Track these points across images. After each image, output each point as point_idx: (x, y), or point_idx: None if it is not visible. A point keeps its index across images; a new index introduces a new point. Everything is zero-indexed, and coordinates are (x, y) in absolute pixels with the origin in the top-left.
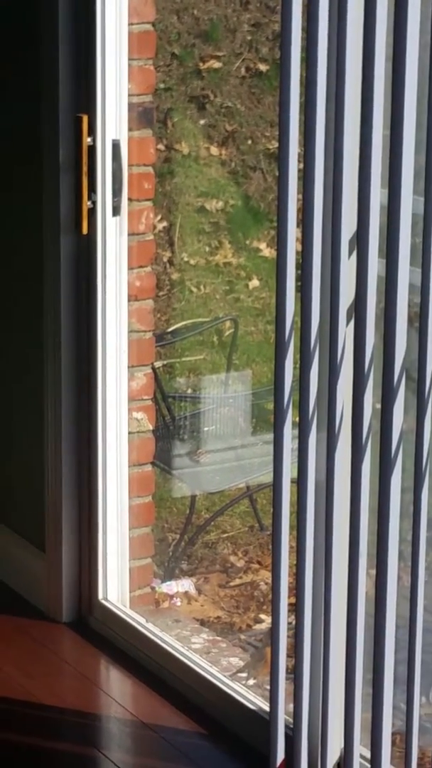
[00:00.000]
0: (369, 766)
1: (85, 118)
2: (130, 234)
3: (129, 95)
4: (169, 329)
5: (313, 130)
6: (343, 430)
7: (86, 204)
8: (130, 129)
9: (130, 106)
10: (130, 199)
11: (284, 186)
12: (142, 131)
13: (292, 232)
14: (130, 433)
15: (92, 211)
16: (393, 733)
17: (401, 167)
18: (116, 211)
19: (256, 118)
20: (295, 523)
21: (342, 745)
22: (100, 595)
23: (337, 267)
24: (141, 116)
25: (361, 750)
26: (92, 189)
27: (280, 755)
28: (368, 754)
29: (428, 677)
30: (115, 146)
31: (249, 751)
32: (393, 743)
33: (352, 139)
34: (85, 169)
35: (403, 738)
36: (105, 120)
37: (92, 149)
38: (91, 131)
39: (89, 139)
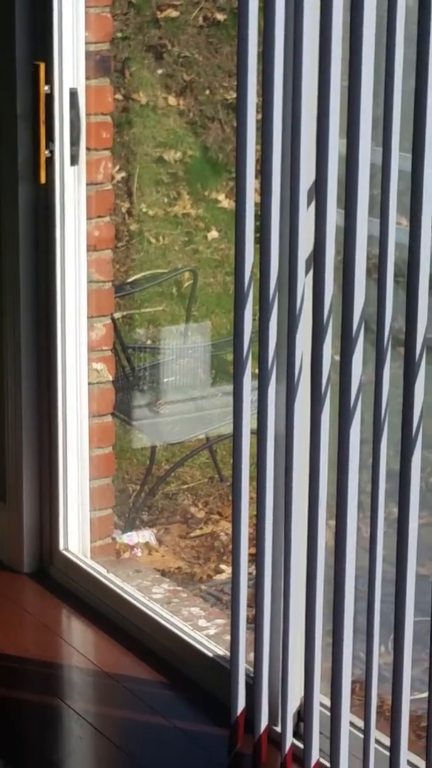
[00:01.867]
0: (329, 714)
1: (42, 66)
2: (88, 183)
3: (86, 43)
4: (128, 280)
5: (271, 80)
6: (302, 381)
7: (44, 153)
8: (87, 77)
9: (88, 54)
10: (88, 149)
11: (242, 136)
12: (99, 80)
13: (251, 182)
14: (89, 383)
15: (50, 161)
16: (353, 682)
17: (359, 117)
18: (74, 160)
19: (214, 68)
20: (255, 474)
21: (302, 694)
22: (61, 546)
23: (295, 217)
24: (98, 65)
25: (321, 698)
26: (50, 138)
27: (241, 704)
28: (328, 703)
29: (387, 627)
30: (73, 95)
31: (210, 699)
32: (353, 692)
33: (310, 89)
34: (42, 117)
35: (363, 686)
36: (62, 68)
37: (50, 98)
38: (49, 80)
39: (46, 88)
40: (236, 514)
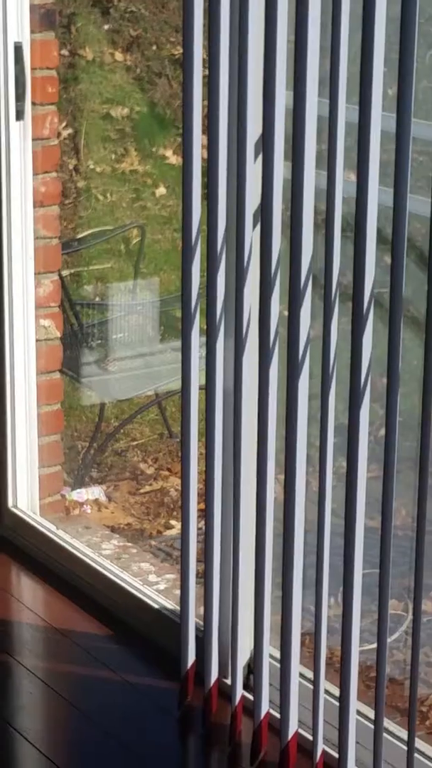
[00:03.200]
0: (279, 666)
1: None
2: (34, 139)
3: None
4: (76, 237)
5: (217, 35)
6: (250, 337)
7: None
8: (32, 31)
9: (32, 7)
10: (33, 104)
11: (189, 92)
12: (44, 34)
13: (198, 138)
14: (37, 340)
15: None
16: (302, 634)
17: (306, 70)
18: (20, 115)
19: (160, 24)
20: (203, 430)
21: (252, 647)
22: (10, 503)
23: (243, 172)
24: (43, 18)
25: (271, 651)
26: None
27: (191, 657)
28: (278, 655)
29: (337, 579)
30: (18, 49)
31: (160, 653)
32: (302, 644)
33: (256, 43)
34: None
35: (313, 639)
36: (6, 22)
37: None
38: None
39: None
40: (185, 470)
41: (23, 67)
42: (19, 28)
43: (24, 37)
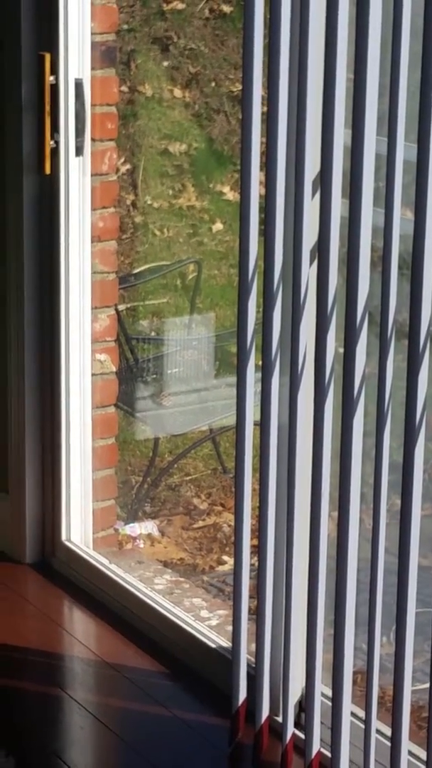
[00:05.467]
0: (330, 704)
1: (47, 57)
2: (93, 174)
3: (92, 34)
4: (133, 272)
5: (276, 72)
6: (305, 373)
7: (49, 144)
8: (93, 68)
9: (93, 44)
10: (93, 139)
11: (248, 128)
12: (105, 70)
13: (256, 174)
14: (93, 374)
15: (55, 151)
16: (354, 673)
17: (365, 108)
18: (79, 151)
19: (219, 61)
20: (257, 466)
21: (303, 684)
22: (63, 537)
23: (300, 208)
24: (104, 55)
25: (322, 689)
26: (55, 128)
27: (242, 694)
28: (330, 693)
29: (389, 618)
30: (78, 85)
31: (211, 690)
32: (354, 682)
33: (315, 80)
34: (47, 108)
35: (364, 677)
36: (68, 58)
37: (55, 88)
38: (54, 70)
39: (52, 78)
40: (239, 506)
41: (83, 103)
42: (80, 64)
43: (85, 73)
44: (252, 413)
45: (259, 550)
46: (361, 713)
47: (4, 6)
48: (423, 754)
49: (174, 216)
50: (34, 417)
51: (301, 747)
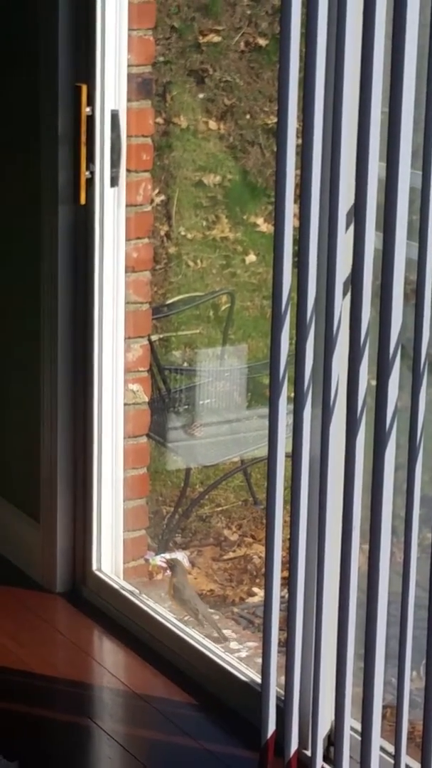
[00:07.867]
0: (359, 738)
1: (84, 88)
2: (128, 205)
3: (128, 66)
4: (166, 303)
5: (311, 105)
6: (338, 405)
7: (84, 174)
8: (129, 100)
9: (130, 76)
10: (128, 170)
11: (282, 161)
12: (141, 102)
13: (290, 207)
14: (125, 404)
15: (90, 182)
16: (384, 707)
17: (399, 141)
18: (114, 181)
19: (254, 93)
20: (289, 498)
21: (333, 718)
22: (94, 566)
23: (334, 241)
24: (140, 87)
25: (351, 723)
26: (90, 159)
27: (272, 727)
28: (359, 727)
29: (419, 652)
30: (114, 116)
31: (240, 722)
32: (383, 717)
33: (350, 114)
34: (83, 139)
35: (394, 712)
36: (104, 90)
37: (91, 119)
38: (90, 101)
39: (88, 109)
40: (270, 537)
41: (119, 135)
42: (117, 96)
43: (121, 105)
44: (284, 445)
45: (289, 582)
46: (391, 748)
47: (42, 37)
48: None
49: (207, 247)
50: (67, 446)
51: None
